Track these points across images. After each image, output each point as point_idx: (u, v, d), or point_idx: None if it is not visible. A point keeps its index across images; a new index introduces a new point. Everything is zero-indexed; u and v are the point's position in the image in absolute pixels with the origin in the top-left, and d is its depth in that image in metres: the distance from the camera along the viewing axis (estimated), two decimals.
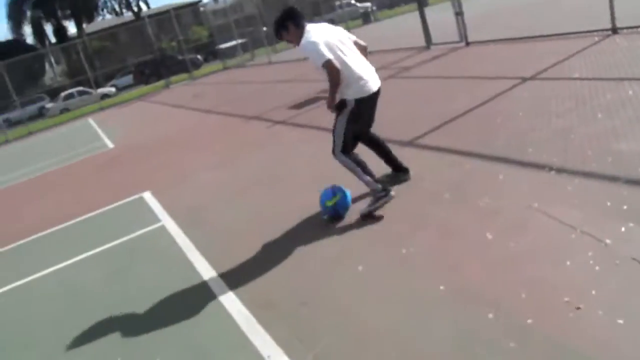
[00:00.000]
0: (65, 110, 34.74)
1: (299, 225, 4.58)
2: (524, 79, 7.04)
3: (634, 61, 6.45)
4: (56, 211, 7.77)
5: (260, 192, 5.88)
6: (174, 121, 14.21)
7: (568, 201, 3.62)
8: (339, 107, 4.29)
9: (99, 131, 17.18)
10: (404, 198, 4.44)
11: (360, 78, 4.22)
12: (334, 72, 4.05)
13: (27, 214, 8.30)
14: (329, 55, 4.05)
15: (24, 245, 6.59)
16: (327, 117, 8.29)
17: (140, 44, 39.88)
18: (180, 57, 34.28)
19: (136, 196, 7.14)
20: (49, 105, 36.80)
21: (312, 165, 6.17)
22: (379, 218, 4.23)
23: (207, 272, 4.22)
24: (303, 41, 4.20)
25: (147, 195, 6.99)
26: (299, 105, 9.99)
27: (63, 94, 36.86)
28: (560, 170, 4.09)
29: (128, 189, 7.70)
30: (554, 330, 2.52)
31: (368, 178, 4.32)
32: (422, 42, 12.77)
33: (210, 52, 40.58)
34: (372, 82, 4.31)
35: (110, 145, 13.17)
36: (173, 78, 30.68)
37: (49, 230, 6.80)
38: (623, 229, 3.12)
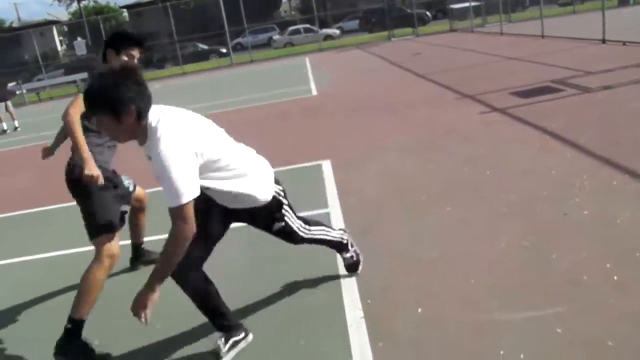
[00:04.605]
0: (289, 44, 36.18)
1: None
2: None
3: None
4: None
5: (451, 205, 4.59)
6: (385, 78, 13.39)
7: None
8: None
9: (310, 74, 17.07)
10: None
11: None
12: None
13: None
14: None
15: None
16: (558, 117, 6.80)
17: None
18: (408, 11, 33.43)
19: (315, 162, 6.44)
20: (276, 37, 38.61)
21: (528, 179, 4.83)
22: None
23: (353, 315, 3.27)
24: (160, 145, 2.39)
25: (327, 167, 6.23)
26: (524, 93, 8.42)
27: (290, 29, 38.52)
28: None
29: (312, 150, 7.10)
30: None
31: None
32: None
33: (440, 10, 39.13)
34: None
35: (315, 92, 12.80)
36: (397, 31, 29.93)
37: None
38: None
